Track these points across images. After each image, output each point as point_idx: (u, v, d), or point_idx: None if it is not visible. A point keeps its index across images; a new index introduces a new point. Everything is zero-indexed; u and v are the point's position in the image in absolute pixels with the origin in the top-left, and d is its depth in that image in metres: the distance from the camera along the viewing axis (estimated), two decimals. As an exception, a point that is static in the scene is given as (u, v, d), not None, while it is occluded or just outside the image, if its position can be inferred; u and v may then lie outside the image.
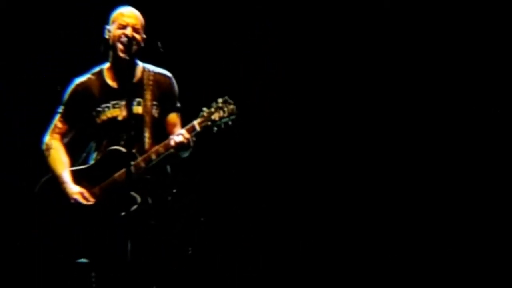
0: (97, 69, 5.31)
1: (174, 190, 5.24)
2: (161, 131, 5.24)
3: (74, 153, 5.31)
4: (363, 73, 7.16)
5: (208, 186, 7.20)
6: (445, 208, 7.06)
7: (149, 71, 5.27)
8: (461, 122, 7.05)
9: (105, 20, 5.29)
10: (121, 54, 5.12)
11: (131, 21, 5.17)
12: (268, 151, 7.23)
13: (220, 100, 5.07)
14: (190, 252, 7.02)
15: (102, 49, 5.31)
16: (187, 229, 7.03)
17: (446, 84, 7.06)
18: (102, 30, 5.26)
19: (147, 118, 5.18)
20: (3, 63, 6.95)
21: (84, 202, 5.09)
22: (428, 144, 7.11)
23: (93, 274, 5.16)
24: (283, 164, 7.23)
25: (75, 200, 5.08)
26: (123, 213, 4.98)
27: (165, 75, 5.31)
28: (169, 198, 5.22)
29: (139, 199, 5.06)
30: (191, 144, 5.08)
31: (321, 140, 7.20)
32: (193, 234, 7.08)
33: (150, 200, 5.11)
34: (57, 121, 5.27)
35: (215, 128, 5.06)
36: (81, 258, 5.14)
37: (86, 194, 5.10)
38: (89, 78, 5.27)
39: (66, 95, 5.28)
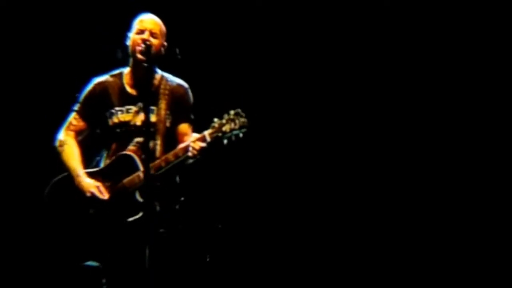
0: (117, 71, 5.33)
1: (182, 199, 5.24)
2: (171, 140, 5.24)
3: (86, 156, 5.32)
4: (367, 76, 7.17)
5: (223, 192, 7.21)
6: (445, 208, 7.03)
7: (166, 80, 5.28)
8: (461, 122, 7.01)
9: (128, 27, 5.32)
10: (139, 56, 5.12)
11: (149, 26, 5.19)
12: (280, 157, 7.26)
13: (232, 112, 5.02)
14: (208, 259, 7.02)
15: (120, 55, 5.33)
16: (204, 237, 7.04)
17: (446, 84, 7.03)
18: (124, 37, 5.28)
19: (160, 127, 5.20)
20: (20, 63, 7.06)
21: (100, 196, 5.09)
22: (429, 144, 7.09)
23: (104, 280, 5.17)
24: (296, 169, 7.24)
25: (92, 193, 5.09)
26: (129, 219, 5.02)
27: (181, 85, 5.31)
28: (177, 206, 5.22)
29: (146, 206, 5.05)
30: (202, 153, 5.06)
31: (332, 145, 7.22)
32: (210, 242, 7.08)
33: (158, 208, 5.10)
34: (72, 119, 5.29)
35: (225, 140, 5.02)
36: (89, 260, 5.15)
37: (102, 188, 5.12)
38: (108, 79, 5.30)
39: (84, 93, 5.30)
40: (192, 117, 5.31)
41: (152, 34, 5.17)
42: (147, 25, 5.19)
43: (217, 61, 7.13)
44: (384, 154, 7.18)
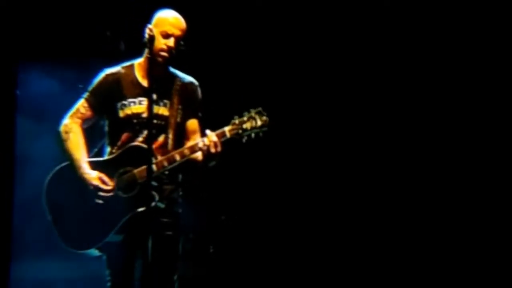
0: (128, 63, 5.29)
1: (181, 193, 5.27)
2: (182, 135, 5.25)
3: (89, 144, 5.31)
4: (372, 77, 7.22)
5: (227, 185, 7.26)
6: (445, 208, 7.07)
7: (178, 76, 5.27)
8: (461, 122, 7.04)
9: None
10: (160, 60, 5.12)
11: (176, 32, 5.13)
12: (283, 149, 7.31)
13: (253, 110, 5.03)
14: (211, 250, 7.08)
15: (122, 47, 5.33)
16: (208, 228, 7.09)
17: (446, 84, 7.05)
18: (142, 28, 5.15)
19: (172, 121, 5.18)
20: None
21: (103, 186, 5.07)
22: (429, 144, 7.12)
23: (107, 271, 5.21)
24: (299, 161, 7.31)
25: (95, 185, 5.07)
26: (138, 210, 5.01)
27: (192, 83, 5.30)
28: (180, 200, 5.26)
29: (157, 197, 5.05)
30: (219, 149, 5.02)
31: (336, 143, 7.29)
32: (214, 233, 7.13)
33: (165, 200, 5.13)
34: (80, 106, 5.23)
35: (245, 138, 5.02)
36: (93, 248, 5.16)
37: (105, 179, 5.08)
38: (120, 71, 5.26)
39: (95, 83, 5.25)
40: (200, 114, 5.30)
41: (177, 42, 5.13)
42: (174, 30, 5.12)
43: (222, 60, 7.19)
44: (387, 154, 7.23)
